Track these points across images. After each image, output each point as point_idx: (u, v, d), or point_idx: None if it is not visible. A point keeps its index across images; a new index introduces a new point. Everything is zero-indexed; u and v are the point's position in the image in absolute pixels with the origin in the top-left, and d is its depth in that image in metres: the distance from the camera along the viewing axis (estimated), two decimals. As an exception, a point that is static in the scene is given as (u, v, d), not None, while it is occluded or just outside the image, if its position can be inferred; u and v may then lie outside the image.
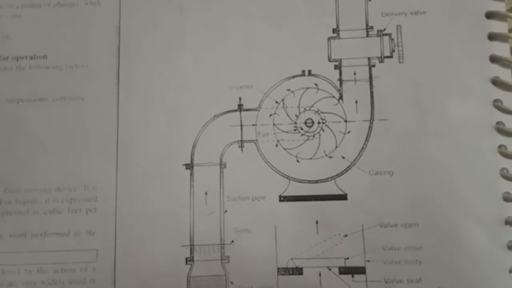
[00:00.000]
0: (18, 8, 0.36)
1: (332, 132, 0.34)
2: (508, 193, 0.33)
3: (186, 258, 0.33)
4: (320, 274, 0.33)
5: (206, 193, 0.34)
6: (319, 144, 0.34)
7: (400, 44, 0.35)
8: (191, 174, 0.34)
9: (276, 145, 0.34)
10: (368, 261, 0.33)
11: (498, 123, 0.33)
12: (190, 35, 0.35)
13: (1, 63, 0.35)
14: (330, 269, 0.33)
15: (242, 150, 0.34)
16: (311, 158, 0.34)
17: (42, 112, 0.35)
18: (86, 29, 0.36)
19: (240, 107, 0.34)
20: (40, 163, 0.34)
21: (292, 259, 0.33)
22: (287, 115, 0.34)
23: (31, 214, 0.34)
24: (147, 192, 0.34)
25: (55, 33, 0.36)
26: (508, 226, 0.32)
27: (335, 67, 0.35)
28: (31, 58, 0.35)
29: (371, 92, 0.34)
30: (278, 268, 0.33)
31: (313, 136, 0.34)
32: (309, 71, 0.35)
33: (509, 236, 0.32)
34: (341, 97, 0.34)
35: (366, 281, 0.32)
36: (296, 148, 0.34)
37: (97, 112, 0.35)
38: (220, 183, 0.34)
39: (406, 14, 0.35)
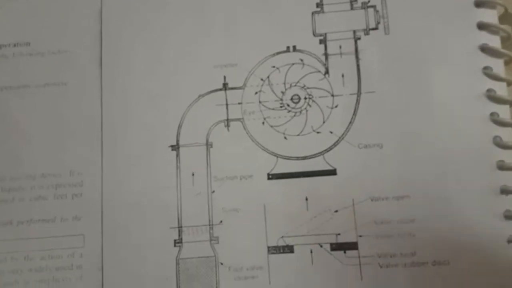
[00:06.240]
0: (-1, -4, 0.36)
1: (319, 107, 0.33)
2: (502, 161, 0.32)
3: (175, 240, 0.32)
4: (311, 252, 0.32)
5: (193, 174, 0.33)
6: (306, 120, 0.33)
7: (385, 15, 0.34)
8: (177, 155, 0.33)
9: (263, 123, 0.33)
10: (360, 236, 0.32)
11: (489, 90, 0.32)
12: (173, 16, 0.35)
13: (-16, 52, 0.35)
14: (321, 246, 0.32)
15: (228, 129, 0.34)
16: (298, 135, 0.33)
17: (25, 99, 0.34)
18: (68, 14, 0.35)
19: (225, 86, 0.34)
20: (24, 150, 0.34)
21: (282, 237, 0.32)
22: (273, 92, 0.34)
23: (16, 201, 0.33)
24: (133, 175, 0.33)
25: (38, 20, 0.35)
26: (504, 195, 0.31)
27: (320, 41, 0.34)
28: (14, 45, 0.35)
29: (358, 65, 0.34)
30: (268, 247, 0.32)
31: (300, 112, 0.33)
32: (294, 47, 0.34)
33: (505, 205, 0.31)
34: (327, 72, 0.34)
35: (359, 256, 0.31)
36: (283, 125, 0.33)
37: (81, 97, 0.34)
38: (207, 163, 0.33)
39: (390, -15, 0.34)
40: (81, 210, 0.33)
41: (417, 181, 0.32)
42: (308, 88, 0.34)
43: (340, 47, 0.34)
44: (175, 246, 0.32)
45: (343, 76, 0.34)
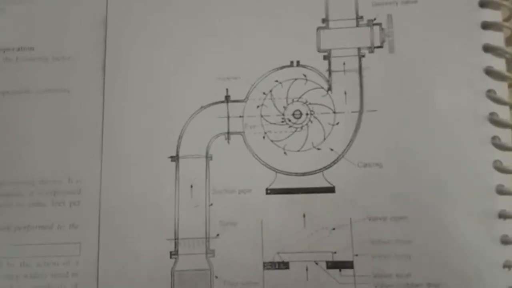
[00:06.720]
0: (4, 0, 0.36)
1: (321, 124, 0.33)
2: (502, 185, 0.32)
3: (171, 252, 0.32)
4: (307, 269, 0.32)
5: (191, 186, 0.33)
6: (307, 136, 0.33)
7: (390, 34, 0.34)
8: (177, 166, 0.33)
9: (263, 137, 0.33)
10: (356, 255, 0.32)
11: (491, 113, 0.32)
12: (177, 27, 0.35)
13: (-12, 55, 0.35)
14: (317, 264, 0.32)
15: (228, 142, 0.33)
16: (298, 150, 0.33)
17: (27, 104, 0.34)
18: (73, 20, 0.35)
19: (227, 99, 0.34)
20: (24, 155, 0.34)
21: (278, 253, 0.32)
22: (275, 106, 0.34)
23: (14, 207, 0.33)
24: (131, 185, 0.33)
25: (42, 25, 0.35)
26: (501, 220, 0.31)
27: (324, 57, 0.34)
28: (18, 50, 0.35)
29: (361, 83, 0.33)
30: (264, 263, 0.32)
31: (301, 127, 0.33)
32: (298, 62, 0.34)
33: (503, 230, 0.31)
34: (330, 88, 0.34)
35: (354, 275, 0.31)
36: (284, 140, 0.33)
37: (82, 105, 0.34)
38: (206, 176, 0.33)
39: (397, 4, 0.34)
40: (78, 218, 0.33)
41: (415, 203, 0.32)
42: (310, 104, 0.34)
43: (344, 64, 0.34)
44: (171, 258, 0.32)
45: (345, 93, 0.33)
